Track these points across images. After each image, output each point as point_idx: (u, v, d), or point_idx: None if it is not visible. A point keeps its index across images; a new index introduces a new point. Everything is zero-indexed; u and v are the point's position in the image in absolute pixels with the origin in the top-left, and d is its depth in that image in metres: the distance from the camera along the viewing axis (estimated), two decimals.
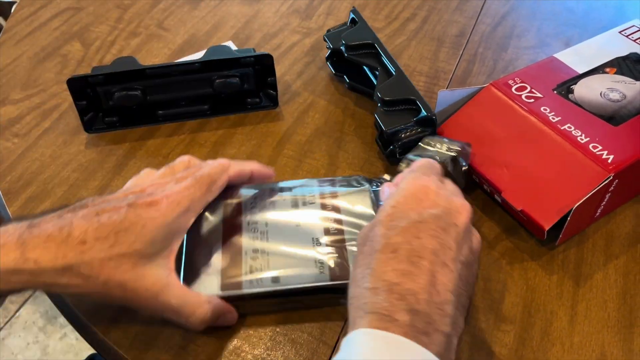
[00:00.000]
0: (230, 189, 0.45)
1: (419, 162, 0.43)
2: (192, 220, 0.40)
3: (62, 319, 1.35)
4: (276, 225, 0.44)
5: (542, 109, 0.50)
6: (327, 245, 0.43)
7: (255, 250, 0.42)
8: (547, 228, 0.44)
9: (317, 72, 0.66)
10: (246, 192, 0.47)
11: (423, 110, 0.50)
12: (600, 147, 0.46)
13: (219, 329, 0.42)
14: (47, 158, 0.57)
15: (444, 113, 0.53)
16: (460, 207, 0.37)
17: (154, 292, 0.37)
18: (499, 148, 0.49)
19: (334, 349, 0.42)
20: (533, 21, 0.73)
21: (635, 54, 0.55)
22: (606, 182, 0.44)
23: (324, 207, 0.45)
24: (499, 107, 0.51)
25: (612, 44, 0.56)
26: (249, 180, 0.46)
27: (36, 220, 0.36)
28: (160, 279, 0.38)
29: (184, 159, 0.44)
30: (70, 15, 0.76)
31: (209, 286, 0.41)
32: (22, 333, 1.32)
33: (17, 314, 1.36)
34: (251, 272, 0.41)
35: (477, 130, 0.51)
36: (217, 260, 0.42)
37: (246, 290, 0.41)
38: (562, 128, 0.48)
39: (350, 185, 0.47)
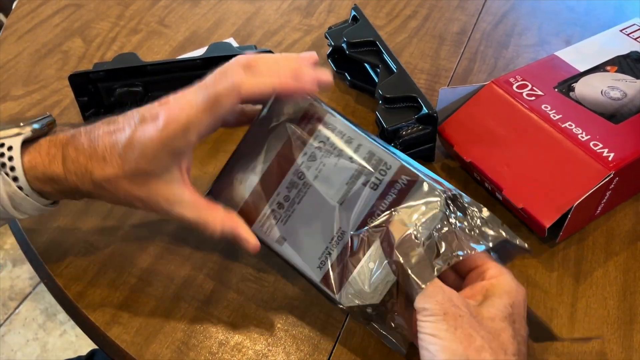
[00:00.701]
0: (311, 117, 0.40)
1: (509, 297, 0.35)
2: (193, 139, 0.37)
3: (61, 316, 1.35)
4: (316, 193, 0.39)
5: (543, 106, 0.50)
6: (341, 252, 0.38)
7: (281, 205, 0.40)
8: (547, 226, 0.44)
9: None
10: (322, 131, 0.40)
11: (424, 108, 0.50)
12: (600, 145, 0.46)
13: (219, 324, 0.42)
14: None
15: (445, 111, 0.53)
16: None
17: (169, 206, 0.39)
18: (500, 146, 0.49)
19: (335, 344, 0.42)
20: (534, 19, 0.73)
21: (636, 52, 0.55)
22: (606, 179, 0.44)
23: (379, 206, 0.38)
24: (500, 105, 0.51)
25: (613, 43, 0.56)
26: (279, 97, 0.40)
27: (79, 131, 0.39)
28: (173, 194, 0.38)
29: (231, 62, 0.38)
30: (71, 11, 0.76)
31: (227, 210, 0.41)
32: (22, 330, 1.32)
33: (17, 310, 1.36)
34: (266, 219, 0.41)
35: (478, 128, 0.51)
36: (246, 190, 0.41)
37: (254, 231, 0.40)
38: (562, 126, 0.48)
39: (430, 193, 0.37)
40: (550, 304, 0.44)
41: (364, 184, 0.38)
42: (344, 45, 0.60)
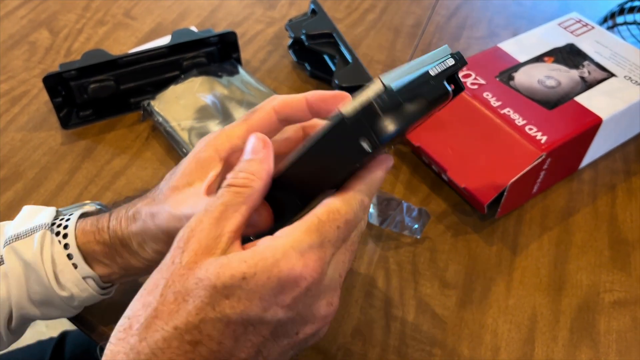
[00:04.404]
0: None
1: (327, 214, 0.29)
2: (224, 146, 0.34)
3: None
4: None
5: (484, 94, 0.54)
6: None
7: None
8: (486, 203, 0.48)
9: (279, 60, 0.69)
10: None
11: None
12: (535, 129, 0.51)
13: None
14: (17, 142, 0.59)
15: None
16: (320, 320, 0.30)
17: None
18: (445, 131, 0.53)
19: None
20: (485, 13, 0.78)
21: (571, 44, 0.59)
22: (539, 160, 0.49)
23: None
24: None
25: (551, 35, 0.61)
26: (309, 112, 0.35)
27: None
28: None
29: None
30: (38, 3, 0.77)
31: None
32: None
33: None
34: None
35: None
36: None
37: None
38: (502, 112, 0.52)
39: None
40: (490, 274, 0.49)
41: None
42: (303, 37, 0.63)
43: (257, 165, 0.30)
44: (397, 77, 0.28)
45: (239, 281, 0.26)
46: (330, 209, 0.29)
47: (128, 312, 0.28)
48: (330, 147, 0.29)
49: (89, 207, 0.43)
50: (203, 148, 0.34)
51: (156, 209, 0.34)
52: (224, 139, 0.34)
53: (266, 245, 0.27)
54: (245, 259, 0.27)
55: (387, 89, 0.27)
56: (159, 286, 0.28)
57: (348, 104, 0.29)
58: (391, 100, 0.27)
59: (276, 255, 0.27)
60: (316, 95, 0.34)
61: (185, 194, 0.33)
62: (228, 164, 0.34)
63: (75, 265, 0.37)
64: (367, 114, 0.27)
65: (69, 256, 0.37)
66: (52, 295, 0.37)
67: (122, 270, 0.38)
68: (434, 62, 0.29)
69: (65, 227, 0.38)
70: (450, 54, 0.30)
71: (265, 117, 0.34)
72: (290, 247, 0.27)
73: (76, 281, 0.37)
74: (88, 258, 0.37)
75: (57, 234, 0.37)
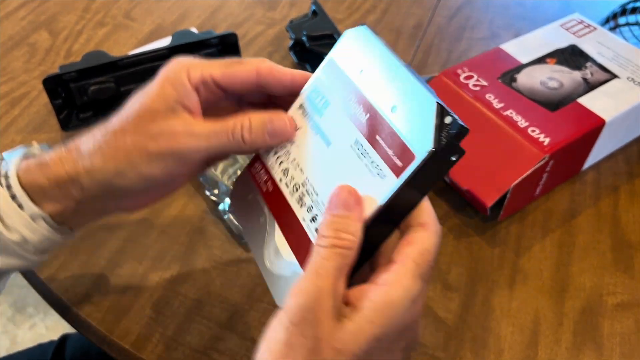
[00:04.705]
0: None
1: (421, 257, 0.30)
2: (196, 76, 0.34)
3: (31, 309, 1.35)
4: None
5: (487, 96, 0.54)
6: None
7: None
8: (489, 205, 0.48)
9: (280, 61, 0.69)
10: None
11: None
12: (538, 131, 0.50)
13: (186, 301, 0.45)
14: (17, 144, 0.59)
15: None
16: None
17: (182, 140, 0.34)
18: None
19: None
20: (486, 14, 0.77)
21: (574, 46, 0.59)
22: (542, 162, 0.48)
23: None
24: (448, 95, 0.55)
25: (553, 37, 0.61)
26: (290, 89, 0.35)
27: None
28: (184, 124, 0.34)
29: None
30: (37, 4, 0.77)
31: None
32: None
33: None
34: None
35: None
36: None
37: None
38: (504, 114, 0.52)
39: None
40: (492, 277, 0.48)
41: None
42: (304, 38, 0.63)
43: (356, 225, 0.29)
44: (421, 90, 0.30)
45: (374, 343, 0.28)
46: (423, 249, 0.30)
47: None
48: (419, 180, 0.29)
49: (35, 149, 0.39)
50: (177, 72, 0.34)
51: (136, 136, 0.33)
52: (198, 71, 0.34)
53: (384, 301, 0.28)
54: (372, 319, 0.28)
55: (443, 107, 0.28)
56: None
57: (419, 133, 0.28)
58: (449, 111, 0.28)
59: (399, 312, 0.28)
60: (305, 77, 0.35)
61: (171, 121, 0.33)
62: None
63: (21, 206, 0.35)
64: (455, 134, 0.28)
65: (14, 197, 0.35)
66: (4, 240, 0.35)
67: (75, 205, 0.35)
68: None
69: (6, 170, 0.35)
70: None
71: (246, 74, 0.34)
72: (406, 299, 0.28)
73: (25, 222, 0.35)
74: (35, 197, 0.35)
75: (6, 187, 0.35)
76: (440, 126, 0.28)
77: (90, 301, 0.46)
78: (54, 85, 0.57)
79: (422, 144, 0.28)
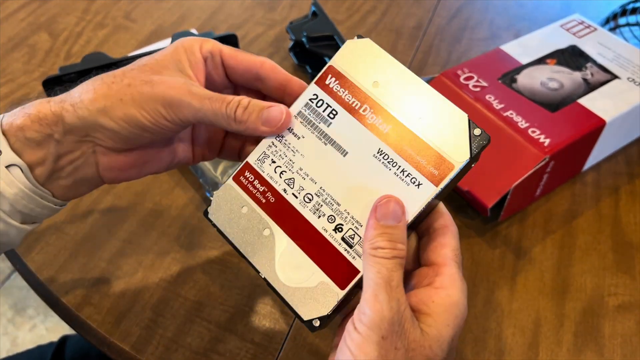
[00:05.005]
0: None
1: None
2: (206, 49, 0.36)
3: (31, 311, 1.35)
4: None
5: (487, 97, 0.54)
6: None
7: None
8: (489, 206, 0.48)
9: (280, 62, 0.69)
10: None
11: None
12: (538, 132, 0.50)
13: (186, 303, 0.45)
14: None
15: None
16: None
17: (178, 97, 0.34)
18: None
19: (294, 319, 0.45)
20: (486, 14, 0.77)
21: (574, 46, 0.59)
22: (542, 163, 0.48)
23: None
24: (448, 96, 0.54)
25: (553, 37, 0.60)
26: (284, 90, 0.37)
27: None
28: (182, 82, 0.34)
29: None
30: (37, 6, 0.77)
31: None
32: None
33: None
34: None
35: None
36: None
37: None
38: (504, 114, 0.52)
39: None
40: (493, 278, 0.48)
41: None
42: (304, 39, 0.63)
43: (405, 234, 0.31)
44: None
45: (451, 344, 0.30)
46: (456, 249, 0.32)
47: None
48: (449, 187, 0.31)
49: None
50: (190, 41, 0.35)
51: (135, 80, 0.33)
52: (210, 44, 0.36)
53: (450, 304, 0.30)
54: (447, 322, 0.30)
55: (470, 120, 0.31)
56: None
57: (453, 143, 0.31)
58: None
59: (462, 311, 0.31)
60: (302, 86, 0.36)
61: (174, 76, 0.34)
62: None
63: None
64: (485, 145, 0.31)
65: None
66: None
67: (53, 157, 0.34)
68: None
69: None
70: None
71: (252, 62, 0.36)
72: (464, 297, 0.31)
73: (11, 185, 0.33)
74: (15, 143, 0.33)
75: None
76: (472, 137, 0.31)
77: (90, 303, 0.46)
78: (54, 87, 0.57)
79: (458, 154, 0.31)
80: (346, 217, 0.32)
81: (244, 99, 0.34)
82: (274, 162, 0.35)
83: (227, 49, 0.36)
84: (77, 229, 0.51)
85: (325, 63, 0.35)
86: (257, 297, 0.46)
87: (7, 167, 0.33)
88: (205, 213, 0.36)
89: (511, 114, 0.52)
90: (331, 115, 0.34)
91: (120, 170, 0.36)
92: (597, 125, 0.51)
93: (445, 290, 0.30)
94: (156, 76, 0.34)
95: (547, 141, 0.49)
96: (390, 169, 0.32)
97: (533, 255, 0.50)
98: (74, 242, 0.50)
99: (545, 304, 0.46)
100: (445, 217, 0.33)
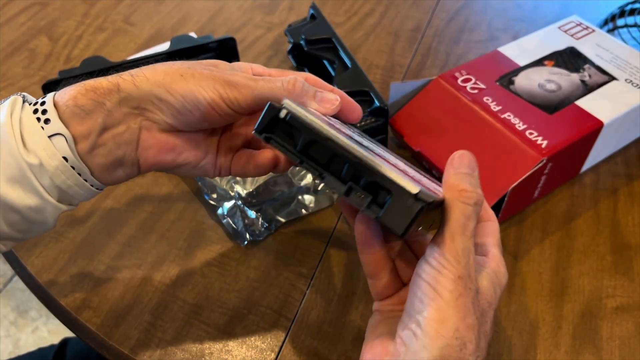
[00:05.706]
0: None
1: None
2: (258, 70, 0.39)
3: (33, 313, 1.35)
4: None
5: (484, 99, 0.54)
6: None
7: None
8: None
9: (279, 65, 0.69)
10: None
11: (376, 102, 0.54)
12: (536, 134, 0.50)
13: (185, 305, 0.45)
14: None
15: (396, 104, 0.57)
16: None
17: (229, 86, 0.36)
18: (446, 136, 0.53)
19: (293, 321, 0.45)
20: (484, 16, 0.77)
21: (572, 48, 0.59)
22: (540, 165, 0.48)
23: None
24: (446, 98, 0.55)
25: (551, 39, 0.61)
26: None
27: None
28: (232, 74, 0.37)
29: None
30: (37, 10, 0.77)
31: None
32: None
33: None
34: None
35: (426, 120, 0.55)
36: None
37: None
38: (502, 116, 0.52)
39: None
40: None
41: None
42: (302, 42, 0.63)
43: (478, 182, 0.32)
44: None
45: (495, 305, 0.33)
46: (498, 239, 0.36)
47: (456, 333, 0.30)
48: None
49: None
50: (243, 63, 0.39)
51: (196, 66, 0.36)
52: (261, 68, 0.40)
53: (497, 272, 0.33)
54: (496, 286, 0.33)
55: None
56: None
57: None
58: None
59: (503, 284, 0.34)
60: (345, 102, 0.38)
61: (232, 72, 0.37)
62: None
63: (47, 121, 0.33)
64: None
65: (42, 115, 0.33)
66: (22, 166, 0.32)
67: (100, 128, 0.34)
68: None
69: (43, 103, 0.34)
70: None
71: (289, 86, 0.36)
72: (506, 276, 0.34)
73: (43, 143, 0.33)
74: (65, 113, 0.34)
75: (34, 104, 0.34)
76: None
77: (89, 306, 0.46)
78: (54, 91, 0.57)
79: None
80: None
81: (300, 76, 0.37)
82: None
83: (267, 72, 0.39)
84: (77, 233, 0.51)
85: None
86: (255, 300, 0.46)
87: (51, 136, 0.33)
88: None
89: (509, 115, 0.52)
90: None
91: (159, 151, 0.36)
92: (595, 127, 0.51)
93: (496, 261, 0.34)
94: (215, 68, 0.36)
95: (545, 143, 0.49)
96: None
97: (531, 257, 0.50)
98: (73, 246, 0.50)
99: (543, 306, 0.46)
100: (488, 210, 0.37)
